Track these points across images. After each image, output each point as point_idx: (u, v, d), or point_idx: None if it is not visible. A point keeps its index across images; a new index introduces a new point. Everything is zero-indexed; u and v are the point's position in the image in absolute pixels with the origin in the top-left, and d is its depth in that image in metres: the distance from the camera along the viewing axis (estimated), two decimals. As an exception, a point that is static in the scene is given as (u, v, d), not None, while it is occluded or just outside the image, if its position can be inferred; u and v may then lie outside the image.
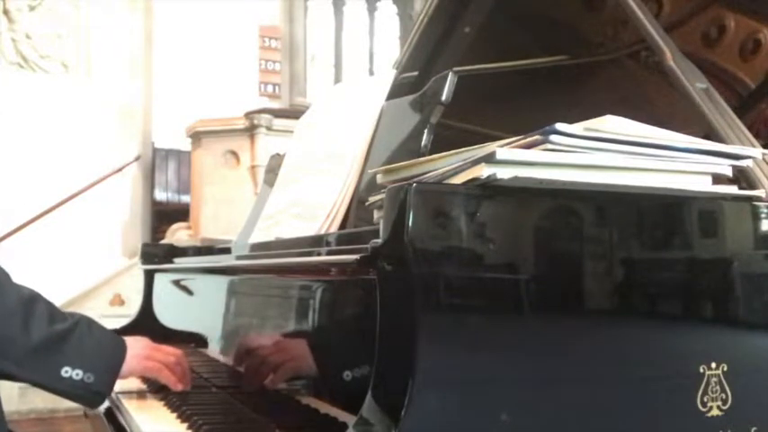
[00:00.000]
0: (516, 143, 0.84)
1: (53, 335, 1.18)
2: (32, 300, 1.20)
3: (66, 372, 1.17)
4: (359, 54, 10.18)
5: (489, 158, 0.80)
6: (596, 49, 1.84)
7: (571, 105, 1.81)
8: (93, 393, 1.21)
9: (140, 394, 1.41)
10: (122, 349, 1.26)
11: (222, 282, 1.54)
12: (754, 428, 0.91)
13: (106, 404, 1.37)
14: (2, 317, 1.16)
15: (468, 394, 0.79)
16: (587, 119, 0.87)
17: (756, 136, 1.22)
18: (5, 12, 6.05)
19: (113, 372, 1.23)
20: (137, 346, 1.29)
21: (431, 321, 0.78)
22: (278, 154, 1.84)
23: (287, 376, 1.17)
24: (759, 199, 0.97)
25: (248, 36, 8.76)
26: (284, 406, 1.13)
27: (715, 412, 0.88)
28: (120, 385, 1.44)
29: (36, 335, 1.16)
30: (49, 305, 1.22)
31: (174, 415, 1.19)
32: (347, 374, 0.99)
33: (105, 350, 1.24)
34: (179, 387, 1.32)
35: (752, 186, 1.06)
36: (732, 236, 0.95)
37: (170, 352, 1.34)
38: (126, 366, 1.25)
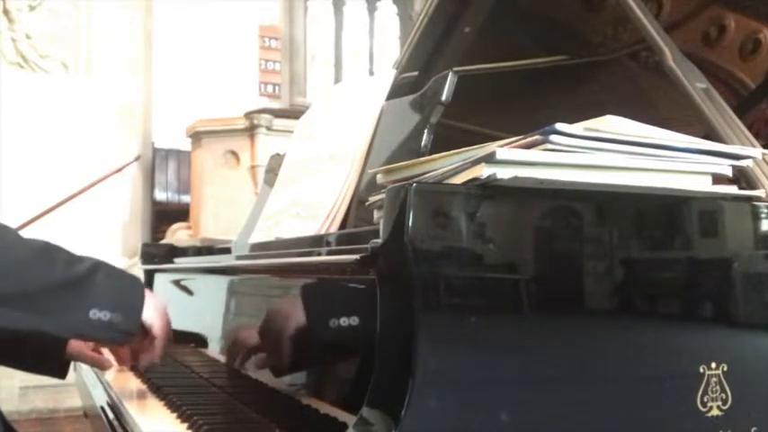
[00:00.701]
0: (516, 143, 0.84)
1: (75, 278, 1.15)
2: (48, 248, 1.17)
3: (95, 314, 1.15)
4: (359, 54, 10.18)
5: (489, 158, 0.80)
6: (596, 49, 1.84)
7: (571, 105, 1.81)
8: (121, 333, 1.19)
9: (140, 394, 1.41)
10: (141, 287, 1.24)
11: (222, 282, 1.54)
12: (754, 428, 0.91)
13: (108, 406, 1.37)
14: (17, 270, 1.12)
15: (468, 394, 0.79)
16: (587, 119, 0.87)
17: (756, 136, 1.22)
18: (5, 12, 6.04)
19: (138, 310, 1.22)
20: (153, 296, 1.27)
21: (431, 321, 0.78)
22: (278, 154, 1.84)
23: (288, 374, 1.17)
24: (759, 199, 0.97)
25: (248, 36, 8.76)
26: (284, 406, 1.13)
27: (715, 412, 0.88)
28: (120, 385, 1.45)
29: (59, 281, 1.14)
30: (65, 251, 1.19)
31: (174, 415, 1.19)
32: (347, 374, 0.99)
33: (128, 289, 1.22)
34: (157, 360, 1.31)
35: (752, 186, 1.06)
36: (732, 236, 0.95)
37: (168, 324, 1.31)
38: (145, 310, 1.23)
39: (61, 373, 1.40)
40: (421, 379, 0.76)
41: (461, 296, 0.80)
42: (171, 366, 1.58)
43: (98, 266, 1.19)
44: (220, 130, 5.74)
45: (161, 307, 1.28)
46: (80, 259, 1.18)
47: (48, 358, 1.37)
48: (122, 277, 1.23)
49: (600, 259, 0.88)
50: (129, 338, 1.23)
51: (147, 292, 1.25)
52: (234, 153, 5.73)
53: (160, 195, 7.27)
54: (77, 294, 1.15)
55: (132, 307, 1.21)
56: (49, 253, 1.16)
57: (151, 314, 1.25)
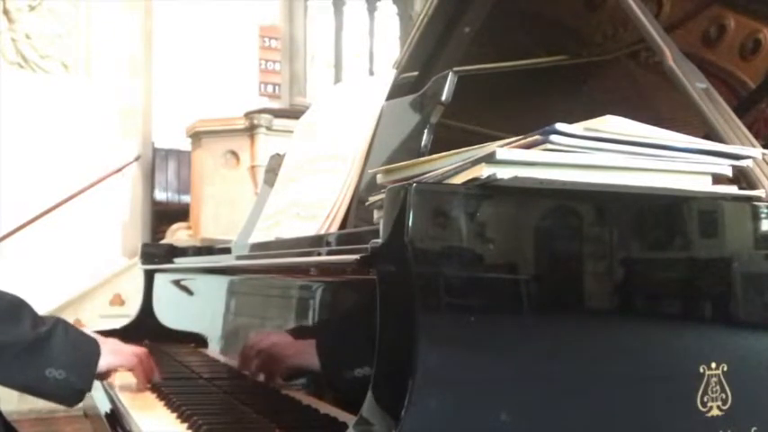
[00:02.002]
0: (516, 143, 0.84)
1: (37, 339, 1.22)
2: (17, 306, 1.24)
3: (50, 372, 1.21)
4: (359, 54, 10.18)
5: (489, 158, 0.80)
6: (596, 49, 1.84)
7: (571, 105, 1.81)
8: (75, 392, 1.26)
9: (140, 394, 1.41)
10: (97, 347, 1.31)
11: (222, 282, 1.54)
12: (753, 428, 0.91)
13: (108, 406, 1.37)
14: None
15: (468, 394, 0.79)
16: (587, 119, 0.87)
17: (756, 136, 1.22)
18: (5, 12, 6.05)
19: (92, 369, 1.28)
20: (108, 342, 1.35)
21: (431, 321, 0.78)
22: (278, 154, 1.84)
23: (288, 375, 1.17)
24: (759, 199, 0.97)
25: (248, 36, 8.76)
26: (284, 406, 1.13)
27: (715, 412, 0.88)
28: (120, 385, 1.45)
29: (22, 339, 1.20)
30: (32, 310, 1.26)
31: (174, 415, 1.19)
32: (347, 374, 0.99)
33: (82, 349, 1.29)
34: (145, 383, 1.40)
35: (752, 186, 1.06)
36: (732, 236, 0.95)
37: (135, 351, 1.40)
38: (101, 363, 1.30)
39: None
40: (421, 379, 0.76)
41: (461, 296, 0.80)
42: (171, 366, 1.58)
43: (56, 327, 1.25)
44: (220, 130, 5.74)
45: (117, 347, 1.37)
46: (43, 320, 1.26)
47: None
48: (78, 337, 1.30)
49: (600, 259, 0.88)
50: (81, 397, 1.28)
51: (102, 341, 1.33)
52: (234, 153, 5.73)
53: (160, 195, 7.28)
54: (36, 355, 1.22)
55: (86, 366, 1.28)
56: (17, 310, 1.23)
57: (111, 360, 1.33)
